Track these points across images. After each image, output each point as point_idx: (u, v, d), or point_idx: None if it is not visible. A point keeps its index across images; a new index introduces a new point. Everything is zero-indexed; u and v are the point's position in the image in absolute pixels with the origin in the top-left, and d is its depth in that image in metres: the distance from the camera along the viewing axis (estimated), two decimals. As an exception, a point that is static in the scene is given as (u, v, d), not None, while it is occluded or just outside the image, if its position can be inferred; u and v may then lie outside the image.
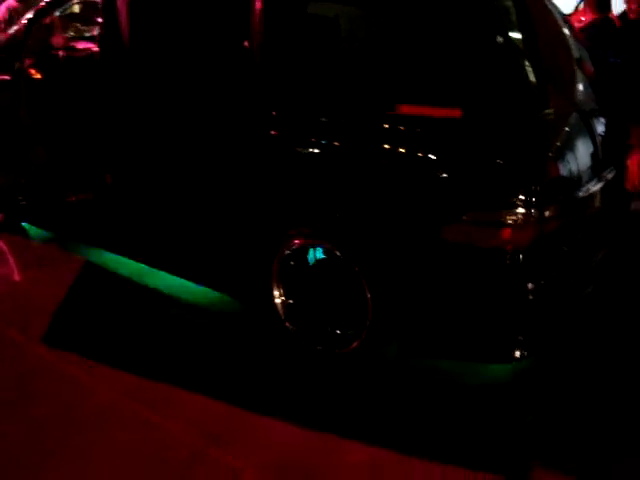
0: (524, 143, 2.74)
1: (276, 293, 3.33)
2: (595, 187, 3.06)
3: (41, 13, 4.54)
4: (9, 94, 4.54)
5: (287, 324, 3.33)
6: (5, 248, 4.79)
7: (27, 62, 4.50)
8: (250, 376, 3.23)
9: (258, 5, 3.18)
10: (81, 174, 4.42)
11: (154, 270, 4.15)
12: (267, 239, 3.30)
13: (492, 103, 2.79)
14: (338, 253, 3.08)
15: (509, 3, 3.06)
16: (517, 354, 2.79)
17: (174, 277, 4.06)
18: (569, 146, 2.94)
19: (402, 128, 2.88)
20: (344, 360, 3.20)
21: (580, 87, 3.30)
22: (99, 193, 4.28)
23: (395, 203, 2.88)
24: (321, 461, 2.69)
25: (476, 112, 2.75)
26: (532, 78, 2.88)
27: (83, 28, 5.81)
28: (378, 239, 2.96)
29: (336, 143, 3.08)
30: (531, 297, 2.73)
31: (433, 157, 2.79)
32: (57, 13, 4.78)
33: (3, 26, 6.32)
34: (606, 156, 3.23)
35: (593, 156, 3.08)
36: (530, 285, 2.71)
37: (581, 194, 2.94)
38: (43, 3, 4.59)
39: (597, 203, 3.15)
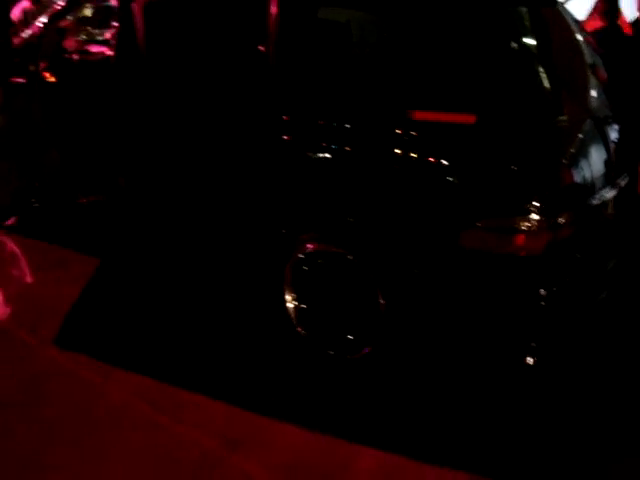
0: (538, 150, 2.74)
1: (288, 298, 3.34)
2: (608, 194, 3.05)
3: (56, 17, 4.57)
4: (24, 97, 4.57)
5: (299, 329, 3.34)
6: (18, 250, 4.81)
7: (42, 65, 4.53)
8: (263, 380, 3.23)
9: (274, 10, 3.20)
10: (95, 177, 4.44)
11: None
12: (280, 244, 3.31)
13: (506, 109, 2.79)
14: (351, 258, 3.08)
15: (523, 9, 3.06)
16: (529, 360, 2.79)
17: (187, 279, 4.08)
18: (583, 153, 2.93)
19: (416, 134, 2.89)
20: (356, 366, 3.20)
21: (594, 94, 3.29)
22: (112, 196, 4.30)
23: (408, 209, 2.89)
24: (333, 465, 2.69)
25: (490, 118, 2.75)
26: (546, 85, 2.88)
27: (95, 32, 5.86)
28: (391, 245, 2.97)
29: (349, 148, 3.09)
30: (544, 303, 2.73)
31: (447, 163, 2.79)
32: (71, 17, 4.81)
33: (19, 27, 6.34)
34: (620, 163, 3.22)
35: (607, 163, 3.07)
36: (543, 291, 2.71)
37: (595, 201, 2.93)
38: (58, 6, 4.62)
39: (610, 210, 3.14)
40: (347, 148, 3.10)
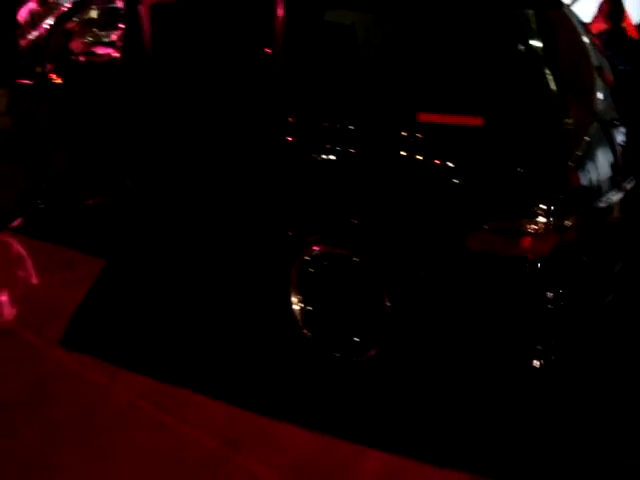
0: (545, 152, 2.73)
1: (294, 300, 3.34)
2: (615, 197, 3.04)
3: (62, 18, 4.58)
4: (30, 99, 4.58)
5: (305, 331, 3.34)
6: (24, 251, 4.82)
7: (48, 67, 4.54)
8: (269, 381, 3.23)
9: (281, 12, 3.21)
10: (101, 178, 4.46)
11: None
12: (286, 246, 3.31)
13: (512, 112, 2.79)
14: (357, 260, 3.09)
15: (530, 12, 3.06)
16: (536, 363, 2.78)
17: (192, 281, 4.09)
18: (589, 156, 2.93)
19: (423, 136, 2.89)
20: (361, 368, 3.20)
21: (600, 96, 3.29)
22: (118, 197, 4.31)
23: (415, 211, 2.89)
24: (337, 466, 2.69)
25: (497, 121, 2.75)
26: (552, 87, 2.87)
27: (101, 33, 5.88)
28: (397, 247, 2.97)
29: (355, 150, 3.09)
30: (550, 306, 2.73)
31: (453, 165, 2.79)
32: (77, 19, 4.83)
33: (25, 29, 6.38)
34: (626, 166, 3.21)
35: (613, 166, 3.07)
36: (550, 294, 2.71)
37: (601, 204, 2.93)
38: (64, 8, 4.64)
39: (617, 213, 3.13)
40: (353, 150, 3.10)
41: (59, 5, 5.41)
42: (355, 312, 3.18)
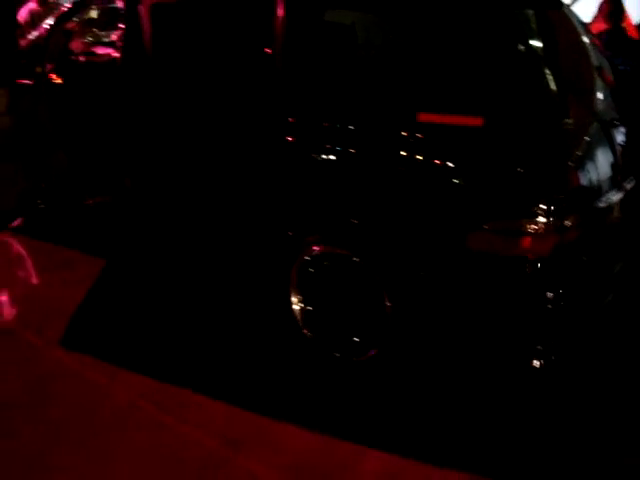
0: (545, 152, 2.73)
1: (294, 300, 3.35)
2: (615, 197, 3.04)
3: (62, 18, 4.59)
4: (30, 99, 4.58)
5: (305, 331, 3.34)
6: (24, 251, 4.82)
7: (48, 67, 4.55)
8: (267, 381, 3.23)
9: (280, 12, 3.21)
10: (101, 178, 4.46)
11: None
12: (285, 246, 3.32)
13: (512, 112, 2.79)
14: (357, 260, 3.09)
15: (530, 12, 3.06)
16: (536, 363, 2.78)
17: (192, 281, 4.10)
18: (589, 156, 2.93)
19: (423, 136, 2.89)
20: (361, 368, 3.20)
21: (600, 96, 3.29)
22: (118, 197, 4.32)
23: (414, 211, 2.89)
24: (337, 466, 2.70)
25: (496, 121, 2.76)
26: (552, 87, 2.87)
27: (101, 33, 5.89)
28: (397, 247, 2.97)
29: (355, 150, 3.09)
30: (550, 306, 2.73)
31: (453, 165, 2.79)
32: (76, 18, 4.83)
33: (25, 29, 6.38)
34: (626, 166, 3.21)
35: (613, 166, 3.07)
36: (550, 294, 2.71)
37: (601, 204, 2.93)
38: (64, 8, 4.64)
39: (617, 213, 3.13)
40: (353, 150, 3.10)
41: (59, 5, 5.42)
42: (355, 312, 3.18)
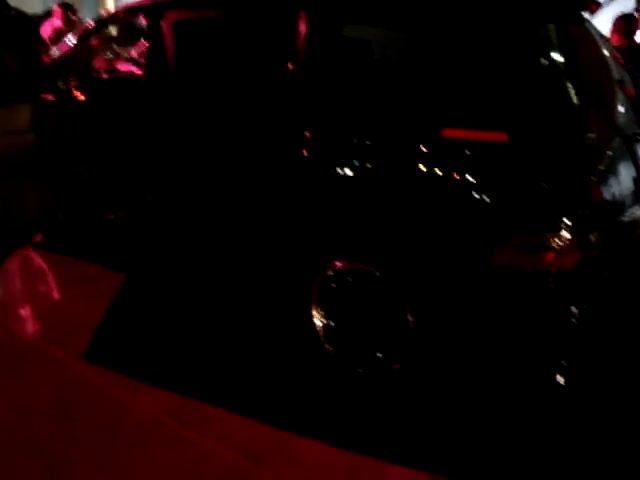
0: (568, 167, 2.73)
1: (316, 315, 3.35)
2: (639, 212, 3.03)
3: (85, 36, 4.64)
4: (54, 115, 4.63)
5: (327, 346, 3.34)
6: (45, 266, 4.86)
7: (72, 83, 4.59)
8: (289, 396, 3.23)
9: (303, 29, 3.23)
10: (122, 193, 4.50)
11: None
12: (307, 261, 3.32)
13: (535, 127, 2.79)
14: (380, 276, 3.09)
15: (551, 26, 3.06)
16: (560, 379, 2.77)
17: (214, 295, 4.12)
18: (612, 170, 2.91)
19: (447, 152, 2.89)
20: (384, 383, 3.19)
21: (622, 110, 3.28)
22: (140, 212, 4.35)
23: (437, 226, 2.89)
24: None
25: (520, 136, 2.75)
26: (575, 102, 2.87)
27: (120, 50, 5.95)
28: (419, 262, 2.97)
29: (377, 166, 3.10)
30: (575, 321, 2.71)
31: (477, 181, 2.79)
32: (98, 35, 4.89)
33: (49, 46, 6.47)
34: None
35: (636, 180, 3.05)
36: (574, 309, 2.70)
37: (625, 219, 2.91)
38: (88, 25, 4.70)
39: (640, 227, 3.12)
40: (376, 166, 3.11)
41: (83, 22, 5.48)
42: (377, 327, 3.18)
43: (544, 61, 2.96)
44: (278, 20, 3.43)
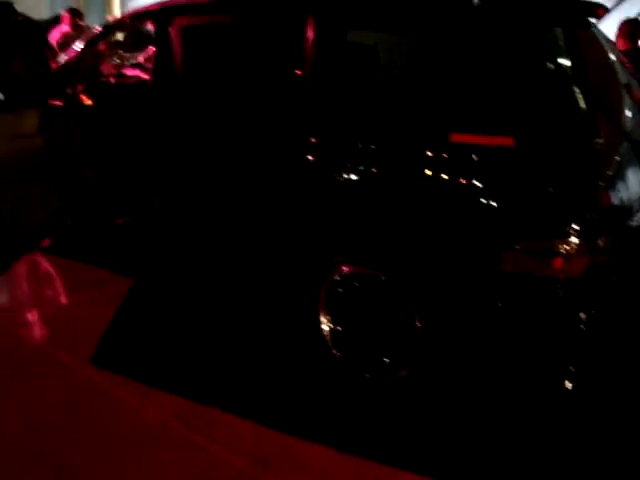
0: (576, 172, 2.73)
1: (323, 320, 3.35)
2: (647, 216, 3.02)
3: (93, 41, 4.66)
4: (61, 119, 4.65)
5: (334, 351, 3.34)
6: (53, 270, 4.87)
7: (79, 88, 4.62)
8: (296, 401, 3.23)
9: (311, 35, 3.24)
10: (130, 198, 4.52)
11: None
12: (315, 266, 3.33)
13: (543, 132, 2.78)
14: (387, 281, 3.09)
15: (558, 31, 3.06)
16: (568, 385, 2.76)
17: (221, 300, 4.13)
18: (620, 175, 2.91)
19: (454, 156, 2.89)
20: (391, 388, 3.19)
21: (629, 114, 3.28)
22: (147, 216, 4.37)
23: (445, 231, 2.89)
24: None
25: (528, 141, 2.75)
26: (582, 106, 2.87)
27: (126, 55, 5.99)
28: (427, 267, 2.97)
29: (384, 171, 3.11)
30: (583, 327, 2.71)
31: (484, 185, 2.79)
32: (105, 41, 4.91)
33: (57, 51, 6.50)
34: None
35: (644, 185, 3.05)
36: (582, 315, 2.69)
37: (633, 223, 2.91)
38: (95, 31, 4.72)
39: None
40: (382, 171, 3.11)
41: (90, 28, 5.51)
42: (385, 333, 3.18)
43: (552, 66, 2.96)
44: (286, 26, 3.44)
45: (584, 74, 2.96)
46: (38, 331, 4.08)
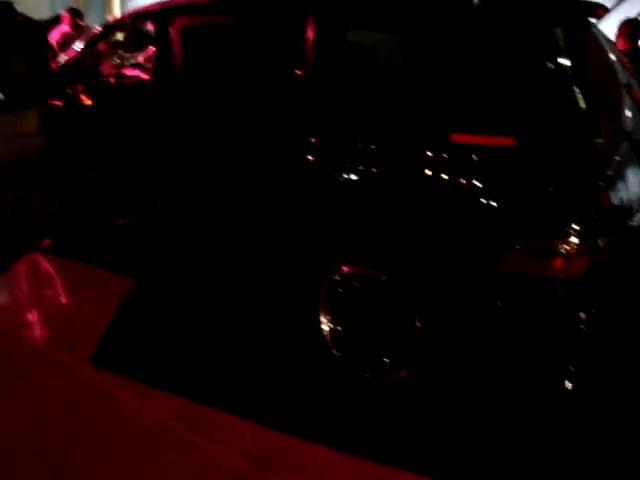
0: (576, 172, 2.73)
1: (323, 320, 3.35)
2: (647, 216, 3.02)
3: (93, 41, 4.66)
4: (61, 119, 4.65)
5: (334, 351, 3.34)
6: (53, 270, 4.88)
7: (79, 88, 4.62)
8: (296, 401, 3.23)
9: (311, 35, 3.24)
10: (130, 198, 4.52)
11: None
12: (315, 266, 3.33)
13: (543, 132, 2.78)
14: (387, 281, 3.09)
15: (558, 31, 3.06)
16: (568, 385, 2.76)
17: (221, 300, 4.13)
18: (620, 175, 2.91)
19: (454, 156, 2.89)
20: (392, 388, 3.19)
21: (629, 114, 3.28)
22: (148, 216, 4.37)
23: (445, 231, 2.90)
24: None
25: (528, 141, 2.75)
26: (582, 106, 2.87)
27: (126, 55, 5.99)
28: (427, 267, 2.97)
29: (384, 171, 3.11)
30: (583, 327, 2.71)
31: (484, 185, 2.79)
32: (105, 41, 4.92)
33: (57, 51, 6.50)
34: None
35: (644, 185, 3.05)
36: (582, 315, 2.70)
37: (633, 223, 2.91)
38: (95, 31, 4.72)
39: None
40: (383, 171, 3.11)
41: (90, 28, 5.52)
42: (385, 333, 3.18)
43: (552, 66, 2.96)
44: (286, 26, 3.44)
45: (584, 74, 2.96)
46: (38, 331, 4.08)
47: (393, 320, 3.12)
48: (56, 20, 8.10)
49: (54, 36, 7.31)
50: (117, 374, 3.45)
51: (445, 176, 2.89)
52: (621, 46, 5.29)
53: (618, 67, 3.40)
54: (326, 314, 3.35)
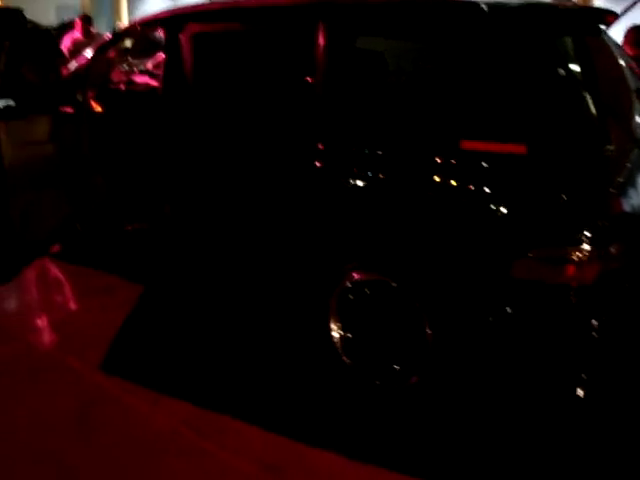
0: (587, 179, 2.72)
1: (334, 327, 3.35)
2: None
3: (103, 48, 4.69)
4: (72, 126, 4.67)
5: (344, 358, 3.33)
6: (63, 276, 4.89)
7: (89, 95, 4.64)
8: (306, 408, 3.22)
9: (322, 41, 3.25)
10: (140, 204, 4.53)
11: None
12: (325, 273, 3.33)
13: (554, 139, 2.78)
14: (398, 288, 3.09)
15: (568, 38, 3.06)
16: (580, 392, 2.75)
17: (231, 307, 4.14)
18: (631, 182, 2.91)
19: (466, 163, 2.89)
20: (403, 395, 3.18)
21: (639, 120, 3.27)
22: (158, 223, 4.38)
23: (456, 238, 2.89)
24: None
25: (539, 148, 2.75)
26: (593, 113, 2.86)
27: (134, 62, 6.02)
28: (438, 274, 2.97)
29: (395, 178, 3.11)
30: (595, 334, 2.70)
31: (495, 193, 2.79)
32: (114, 48, 4.94)
33: (68, 58, 6.53)
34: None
35: (655, 191, 3.04)
36: (594, 322, 2.69)
37: (645, 230, 2.90)
38: (106, 38, 4.74)
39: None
40: (393, 177, 3.12)
41: (101, 35, 5.55)
42: (395, 340, 3.17)
43: (562, 73, 2.97)
44: (296, 32, 3.45)
45: (594, 81, 2.96)
46: (48, 337, 4.09)
47: (403, 327, 3.11)
48: (65, 27, 8.14)
49: (65, 43, 7.36)
50: (127, 380, 3.45)
51: (456, 183, 2.89)
52: (629, 52, 5.27)
53: (628, 73, 3.39)
54: (336, 321, 3.34)
